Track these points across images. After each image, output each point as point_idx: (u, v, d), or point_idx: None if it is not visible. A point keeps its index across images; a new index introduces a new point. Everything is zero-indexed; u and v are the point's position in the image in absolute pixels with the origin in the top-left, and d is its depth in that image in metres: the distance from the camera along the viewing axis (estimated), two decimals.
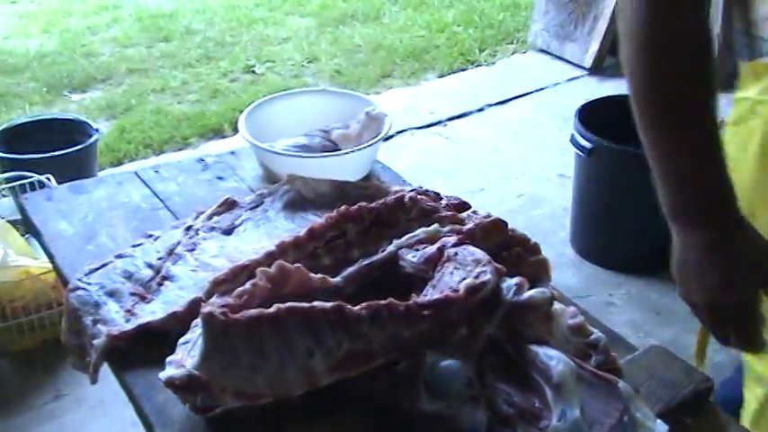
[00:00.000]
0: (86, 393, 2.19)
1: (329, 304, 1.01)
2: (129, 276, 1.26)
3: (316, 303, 1.01)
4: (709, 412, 1.06)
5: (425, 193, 1.40)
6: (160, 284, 1.25)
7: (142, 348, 1.14)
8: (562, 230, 2.92)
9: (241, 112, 3.75)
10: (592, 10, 4.04)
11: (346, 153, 1.51)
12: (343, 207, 1.28)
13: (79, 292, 1.22)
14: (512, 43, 4.51)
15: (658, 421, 0.98)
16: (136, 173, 1.57)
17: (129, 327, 1.15)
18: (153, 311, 1.18)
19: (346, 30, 4.77)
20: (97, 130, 3.00)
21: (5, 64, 4.28)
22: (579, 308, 1.25)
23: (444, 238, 1.22)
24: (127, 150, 3.46)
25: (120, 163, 3.41)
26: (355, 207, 1.28)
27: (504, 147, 3.50)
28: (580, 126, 2.59)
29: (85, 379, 1.21)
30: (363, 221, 1.28)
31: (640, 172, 2.56)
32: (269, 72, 4.26)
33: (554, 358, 1.01)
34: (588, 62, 4.06)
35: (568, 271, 2.73)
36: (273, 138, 1.60)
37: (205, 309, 1.00)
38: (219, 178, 1.57)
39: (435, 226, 1.28)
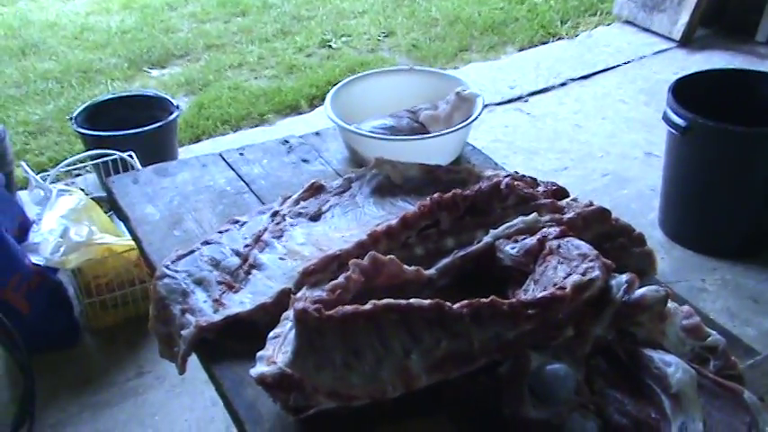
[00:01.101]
0: (168, 371, 2.20)
1: (427, 302, 0.96)
2: (216, 264, 1.23)
3: (413, 301, 0.96)
4: None
5: (522, 178, 1.33)
6: (248, 273, 1.21)
7: (230, 340, 1.11)
8: (650, 212, 2.79)
9: (317, 88, 3.73)
10: None
11: (437, 136, 1.44)
12: (436, 194, 1.22)
13: (167, 281, 1.19)
14: (595, 15, 4.32)
15: None
16: (221, 155, 1.55)
17: (217, 318, 1.12)
18: (241, 302, 1.15)
19: (423, 2, 4.66)
20: (178, 106, 3.00)
21: (87, 40, 4.34)
22: (681, 297, 1.17)
23: (545, 229, 1.15)
24: (205, 127, 3.46)
25: (198, 139, 3.41)
26: (449, 194, 1.22)
27: (588, 123, 3.37)
28: (674, 102, 2.45)
29: None
30: (458, 209, 1.22)
31: (738, 151, 2.45)
32: (345, 47, 4.20)
33: (672, 364, 0.93)
34: (677, 34, 3.86)
35: (658, 255, 2.60)
36: (359, 118, 1.55)
37: (298, 305, 0.96)
38: (304, 161, 1.53)
39: (534, 215, 1.21)
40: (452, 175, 1.39)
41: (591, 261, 1.03)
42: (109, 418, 2.11)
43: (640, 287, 1.03)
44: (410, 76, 1.62)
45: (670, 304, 1.05)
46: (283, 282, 1.17)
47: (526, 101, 3.56)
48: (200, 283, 1.20)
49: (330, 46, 4.23)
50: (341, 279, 1.03)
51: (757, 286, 2.48)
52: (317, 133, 1.61)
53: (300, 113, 3.59)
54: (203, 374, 1.13)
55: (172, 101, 3.04)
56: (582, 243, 1.08)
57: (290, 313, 1.06)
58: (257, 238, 1.28)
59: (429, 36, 4.26)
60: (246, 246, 1.26)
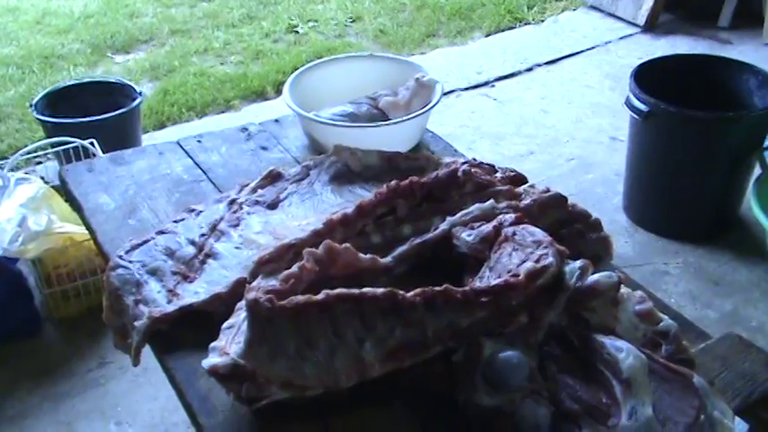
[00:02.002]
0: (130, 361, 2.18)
1: (381, 290, 0.95)
2: (171, 254, 1.21)
3: (366, 289, 0.95)
4: None
5: (479, 165, 1.32)
6: (203, 262, 1.20)
7: (185, 331, 1.09)
8: (615, 196, 2.81)
9: (284, 74, 3.70)
10: None
11: (396, 123, 1.43)
12: (393, 182, 1.21)
13: (120, 271, 1.18)
14: (561, 0, 4.33)
15: (737, 419, 0.90)
16: (178, 142, 1.53)
17: (171, 308, 1.11)
18: (196, 292, 1.14)
19: None
20: (141, 93, 2.95)
21: (49, 25, 4.25)
22: (634, 280, 1.17)
23: (501, 216, 1.15)
24: (170, 113, 3.42)
25: (163, 126, 3.37)
26: (406, 182, 1.21)
27: (554, 108, 3.38)
28: (636, 88, 2.46)
29: None
30: (415, 197, 1.22)
31: (699, 136, 2.47)
32: (312, 32, 4.17)
33: (623, 350, 0.93)
34: (641, 19, 3.88)
35: (621, 239, 2.63)
36: (319, 105, 1.53)
37: (250, 295, 0.95)
38: (263, 148, 1.51)
39: (491, 202, 1.21)
40: (411, 162, 1.39)
41: (545, 248, 1.03)
42: (70, 408, 2.08)
43: (595, 273, 1.04)
44: (370, 63, 1.61)
45: (623, 290, 1.06)
46: (239, 271, 1.16)
47: (493, 86, 3.56)
48: (154, 273, 1.18)
49: (297, 31, 4.20)
50: (294, 268, 1.03)
51: (718, 269, 2.51)
52: (277, 120, 1.60)
53: (267, 99, 3.56)
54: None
55: (135, 87, 3.00)
56: (537, 230, 1.08)
57: (243, 303, 1.05)
58: (213, 227, 1.26)
59: (396, 21, 4.24)
60: (202, 235, 1.25)
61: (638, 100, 2.46)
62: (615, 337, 0.97)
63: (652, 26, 3.88)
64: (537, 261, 1.00)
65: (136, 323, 1.12)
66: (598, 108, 3.37)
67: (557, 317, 1.00)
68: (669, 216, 2.65)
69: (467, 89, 3.52)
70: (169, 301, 1.13)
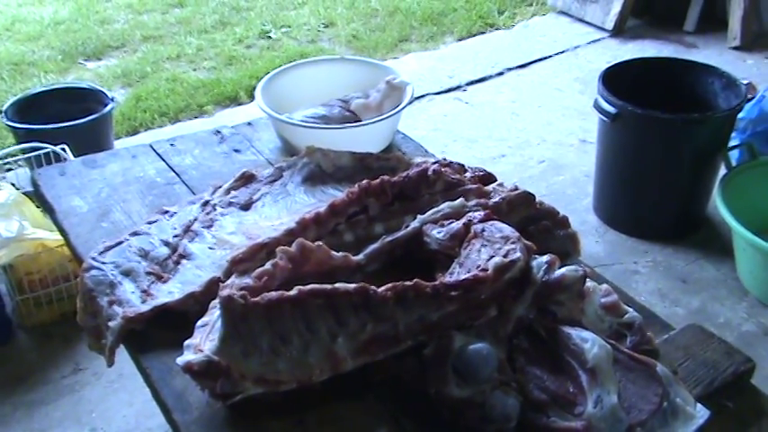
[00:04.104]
0: (105, 367, 2.15)
1: (352, 285, 0.97)
2: (144, 255, 1.22)
3: (338, 285, 0.97)
4: (751, 395, 1.01)
5: (449, 164, 1.35)
6: (177, 263, 1.21)
7: (159, 330, 1.11)
8: (585, 197, 2.86)
9: (258, 79, 3.70)
10: None
11: (367, 124, 1.45)
12: (364, 181, 1.23)
13: (93, 272, 1.18)
14: (531, 5, 4.38)
15: (699, 406, 0.93)
16: (150, 146, 1.53)
17: (145, 308, 1.12)
18: (170, 292, 1.15)
19: None
20: (113, 98, 2.95)
21: (19, 32, 4.22)
22: (605, 278, 1.21)
23: (470, 213, 1.17)
24: (143, 119, 3.41)
25: (135, 132, 3.36)
26: (377, 181, 1.23)
27: (525, 112, 3.42)
28: (604, 90, 2.51)
29: None
30: (386, 196, 1.24)
31: (665, 138, 2.52)
32: (285, 37, 4.18)
33: (588, 340, 0.96)
34: (610, 24, 3.94)
35: (592, 238, 2.67)
36: (291, 108, 1.55)
37: (223, 292, 0.96)
38: (236, 151, 1.52)
39: (461, 200, 1.23)
40: (383, 162, 1.41)
41: (512, 243, 1.05)
42: (44, 416, 2.07)
43: (561, 267, 1.06)
44: (341, 66, 1.63)
45: (589, 283, 1.08)
46: (213, 271, 1.17)
47: (465, 90, 3.60)
48: (127, 274, 1.19)
49: (269, 37, 4.21)
50: (268, 266, 1.04)
51: (686, 267, 2.56)
52: (250, 123, 1.61)
53: (240, 104, 3.57)
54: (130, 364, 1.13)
55: (107, 93, 2.99)
56: (504, 226, 1.11)
57: (217, 301, 1.06)
58: (187, 228, 1.27)
59: (369, 27, 4.27)
60: (176, 236, 1.26)
61: (607, 102, 2.51)
62: (581, 328, 1.00)
63: (620, 31, 3.95)
64: (505, 256, 1.03)
65: (110, 323, 1.12)
66: (568, 111, 3.42)
67: (525, 310, 1.02)
68: (638, 216, 2.70)
69: (439, 93, 3.55)
70: (143, 302, 1.14)
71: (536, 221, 1.28)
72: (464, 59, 3.86)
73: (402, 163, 1.40)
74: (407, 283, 0.98)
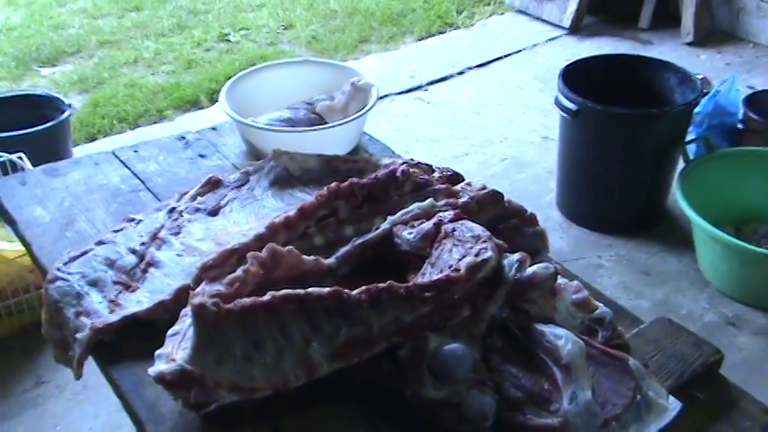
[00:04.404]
0: (69, 379, 2.14)
1: (326, 290, 0.97)
2: (111, 264, 1.20)
3: (312, 289, 0.97)
4: (721, 385, 1.03)
5: (417, 165, 1.35)
6: (145, 271, 1.19)
7: (129, 340, 1.09)
8: (548, 193, 2.88)
9: (217, 82, 3.68)
10: None
11: (333, 126, 1.45)
12: (333, 184, 1.23)
13: (59, 283, 1.16)
14: (489, 5, 4.42)
15: (671, 398, 0.95)
16: (113, 152, 1.51)
17: (114, 318, 1.10)
18: (139, 301, 1.13)
19: None
20: (70, 105, 2.90)
21: None
22: (572, 273, 1.22)
23: (441, 214, 1.18)
24: (101, 125, 3.36)
25: (94, 138, 3.31)
26: (346, 183, 1.23)
27: (486, 110, 3.44)
28: (564, 88, 2.54)
29: None
30: (355, 198, 1.23)
31: (625, 132, 2.56)
32: (244, 40, 4.15)
33: (562, 337, 0.97)
34: (567, 22, 3.99)
35: (556, 234, 2.70)
36: (256, 111, 1.54)
37: (195, 300, 0.95)
38: (201, 156, 1.51)
39: (430, 200, 1.23)
40: (350, 164, 1.41)
41: (483, 242, 1.06)
42: (6, 431, 2.03)
43: (532, 265, 1.07)
44: (305, 68, 1.62)
45: (560, 280, 1.09)
46: (182, 278, 1.16)
47: (426, 90, 3.61)
48: (94, 284, 1.17)
49: (228, 40, 4.17)
50: (239, 272, 1.03)
51: (648, 260, 2.60)
52: (214, 128, 1.59)
53: (201, 108, 3.54)
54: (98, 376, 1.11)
55: (63, 100, 2.94)
56: (475, 225, 1.11)
57: (188, 309, 1.05)
58: (154, 236, 1.25)
59: (328, 28, 4.26)
60: (143, 244, 1.24)
61: (567, 99, 2.54)
62: (554, 325, 1.01)
63: (577, 29, 4.00)
64: (477, 255, 1.03)
65: (77, 335, 1.10)
66: (528, 109, 3.45)
67: (498, 309, 1.02)
68: (600, 210, 2.74)
69: (401, 93, 3.56)
70: (111, 312, 1.12)
71: (505, 220, 1.28)
72: (424, 59, 3.87)
73: (369, 165, 1.40)
74: (381, 285, 0.98)
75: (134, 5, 4.64)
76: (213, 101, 3.57)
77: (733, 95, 2.92)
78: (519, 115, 3.41)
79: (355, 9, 4.44)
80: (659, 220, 2.76)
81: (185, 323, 1.03)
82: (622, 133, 2.52)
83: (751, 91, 3.06)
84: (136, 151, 1.51)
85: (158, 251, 1.22)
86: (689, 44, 3.80)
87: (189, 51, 4.05)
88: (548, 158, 3.07)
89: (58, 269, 1.18)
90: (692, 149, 2.67)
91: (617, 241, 2.68)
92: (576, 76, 2.61)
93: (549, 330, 0.99)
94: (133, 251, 1.22)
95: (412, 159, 1.36)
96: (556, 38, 4.00)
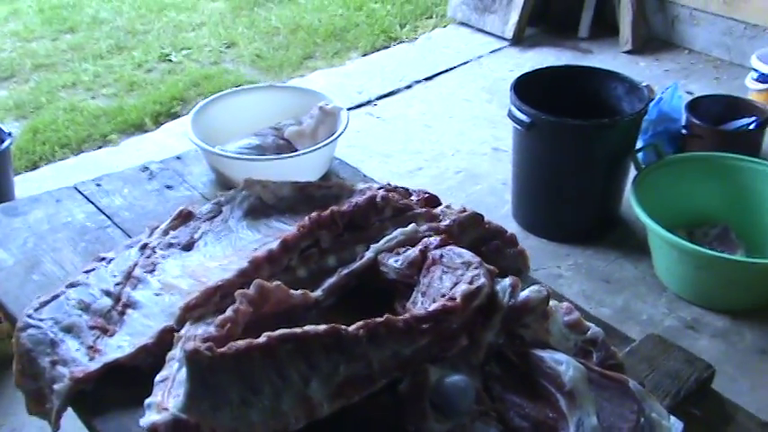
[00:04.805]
0: (25, 422, 2.05)
1: (323, 327, 0.94)
2: (85, 307, 1.15)
3: (308, 328, 0.94)
4: (715, 400, 1.04)
5: (395, 189, 1.34)
6: (122, 313, 1.14)
7: (111, 388, 1.04)
8: (504, 205, 2.90)
9: (162, 104, 3.60)
10: None
11: (306, 153, 1.42)
12: (314, 213, 1.20)
13: (31, 331, 1.10)
14: (431, 18, 4.44)
15: (672, 419, 0.95)
16: (75, 187, 1.45)
17: (94, 366, 1.05)
18: (119, 346, 1.08)
19: (262, 12, 4.61)
20: (9, 134, 2.79)
21: None
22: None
23: (426, 239, 1.16)
24: (42, 152, 3.24)
25: (36, 166, 3.19)
26: (327, 212, 1.21)
27: (437, 123, 3.45)
28: (517, 100, 2.56)
29: (23, 406, 1.10)
30: (337, 227, 1.21)
31: (578, 143, 2.60)
32: (186, 60, 4.07)
33: (563, 363, 0.96)
34: (509, 33, 4.04)
35: None
36: (222, 139, 1.50)
37: (188, 345, 0.91)
38: (168, 187, 1.46)
39: (412, 226, 1.22)
40: (324, 190, 1.38)
41: (475, 269, 1.05)
42: None
43: (523, 289, 1.06)
44: (270, 93, 1.59)
45: (551, 302, 1.09)
46: (163, 319, 1.11)
47: (375, 105, 3.60)
48: (69, 330, 1.11)
49: (170, 60, 4.09)
50: (229, 312, 1.00)
51: (607, 267, 2.64)
52: (179, 157, 1.55)
53: (146, 132, 3.44)
54: (71, 422, 1.06)
55: (2, 128, 2.83)
56: (463, 251, 1.10)
57: (176, 353, 1.01)
58: (128, 275, 1.21)
59: (272, 45, 4.21)
60: (117, 284, 1.19)
61: (520, 112, 2.56)
62: (552, 350, 1.00)
63: (519, 40, 4.05)
64: (470, 282, 1.02)
65: (55, 386, 1.05)
66: (478, 120, 3.47)
67: (494, 336, 1.02)
68: (556, 220, 2.77)
69: (350, 109, 3.50)
70: (91, 359, 1.07)
71: (486, 241, 1.28)
72: (371, 74, 3.87)
73: (345, 190, 1.38)
74: (378, 319, 0.96)
75: (68, 27, 4.51)
76: (158, 123, 3.49)
77: (676, 102, 3.00)
78: (469, 127, 3.43)
79: (298, 26, 4.41)
80: (614, 227, 2.80)
81: (173, 368, 0.99)
82: (576, 144, 2.56)
83: (691, 97, 3.15)
84: (98, 185, 1.45)
85: (134, 291, 1.18)
86: (628, 52, 3.89)
87: (130, 73, 3.96)
88: (501, 170, 3.10)
89: (29, 316, 1.13)
90: (641, 156, 2.72)
91: (574, 250, 2.71)
92: (526, 88, 2.64)
93: (548, 356, 0.98)
94: (107, 293, 1.17)
95: (389, 183, 1.34)
96: (499, 49, 4.05)
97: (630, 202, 2.50)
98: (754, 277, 2.37)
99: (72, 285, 1.18)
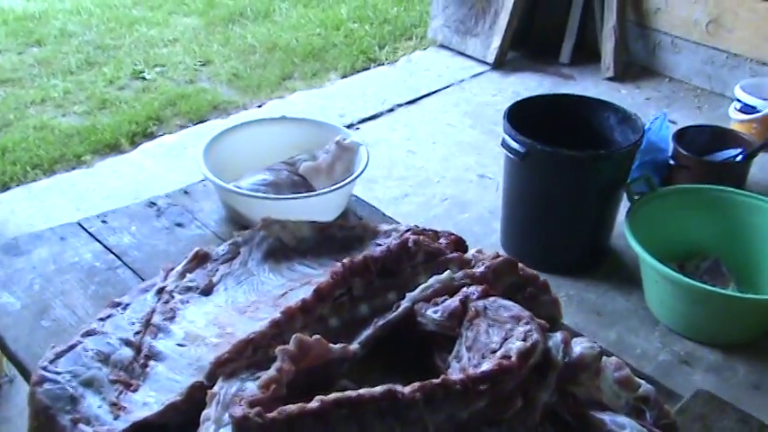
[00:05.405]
0: None
1: (378, 390, 0.89)
2: (105, 359, 1.07)
3: (363, 391, 0.88)
4: None
5: (423, 232, 1.29)
6: (144, 366, 1.07)
7: None
8: (492, 234, 2.87)
9: (137, 123, 3.50)
10: (492, 4, 4.01)
11: (326, 192, 1.36)
12: (346, 260, 1.15)
13: (48, 386, 1.03)
14: (411, 39, 4.42)
15: None
16: (79, 224, 1.37)
17: (121, 426, 0.98)
18: (145, 403, 1.01)
19: (237, 29, 4.53)
20: None
21: None
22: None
23: (465, 289, 1.11)
24: (13, 173, 3.11)
25: (6, 187, 3.05)
26: (360, 258, 1.15)
27: (421, 149, 3.42)
28: (511, 129, 2.54)
29: None
30: (371, 273, 1.15)
31: (572, 173, 2.58)
32: (160, 77, 3.97)
33: (626, 427, 0.92)
34: (491, 57, 4.03)
35: None
36: (232, 172, 1.44)
37: (236, 411, 0.85)
38: (178, 225, 1.39)
39: (447, 273, 1.17)
40: (347, 232, 1.33)
41: (526, 323, 1.00)
42: None
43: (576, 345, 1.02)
44: (282, 126, 1.53)
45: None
46: (190, 373, 1.05)
47: (358, 129, 3.56)
48: (89, 384, 1.04)
49: (144, 77, 3.98)
50: (273, 372, 0.93)
51: (598, 300, 2.62)
52: (186, 191, 1.48)
53: (122, 153, 3.34)
54: None
55: None
56: (510, 303, 1.06)
57: (210, 413, 0.94)
58: (147, 323, 1.14)
59: (249, 64, 4.14)
60: (136, 333, 1.12)
61: (515, 141, 2.53)
62: (611, 412, 0.96)
63: (500, 64, 4.04)
64: (524, 339, 0.98)
65: None
66: (462, 146, 3.45)
67: (548, 395, 0.97)
68: (547, 251, 2.74)
69: None
70: (116, 417, 0.99)
71: (520, 288, 1.24)
72: (353, 97, 3.82)
73: (368, 231, 1.33)
74: (435, 381, 0.91)
75: (35, 40, 4.38)
76: (135, 144, 3.39)
77: (664, 132, 3.01)
78: (453, 153, 3.40)
79: (275, 44, 4.34)
80: (604, 258, 2.79)
81: (210, 430, 0.92)
82: (570, 174, 2.54)
83: (676, 126, 3.17)
84: (104, 221, 1.38)
85: (155, 340, 1.10)
86: (609, 79, 3.91)
87: (102, 90, 3.84)
88: (487, 198, 3.07)
89: (44, 368, 1.05)
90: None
91: (565, 282, 2.69)
92: (518, 116, 2.62)
93: (609, 418, 0.94)
94: (127, 342, 1.10)
95: (416, 226, 1.30)
96: (481, 73, 4.03)
97: (622, 234, 2.49)
98: (748, 312, 2.37)
99: (88, 334, 1.10)
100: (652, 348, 2.44)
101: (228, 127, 1.49)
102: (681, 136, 2.99)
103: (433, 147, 3.45)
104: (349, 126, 3.55)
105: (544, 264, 2.72)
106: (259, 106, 3.74)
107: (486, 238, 2.88)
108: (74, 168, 3.23)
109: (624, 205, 2.64)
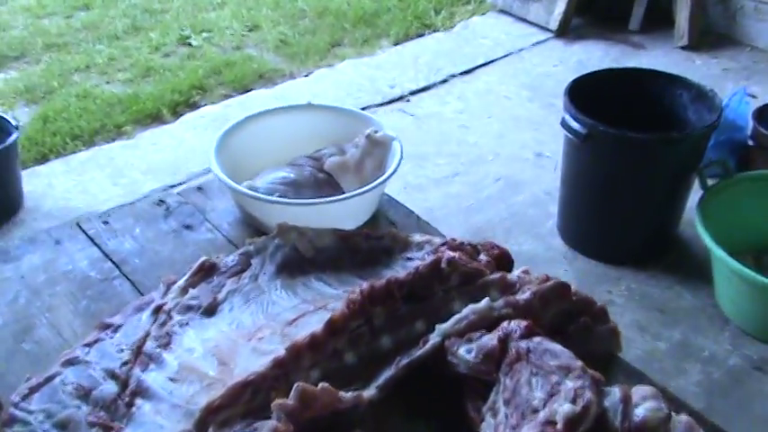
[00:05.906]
0: None
1: None
2: (85, 395, 0.94)
3: None
4: None
5: (460, 246, 1.11)
6: (130, 405, 0.93)
7: None
8: (548, 219, 2.66)
9: (180, 93, 3.36)
10: None
11: (353, 196, 1.19)
12: (366, 285, 0.98)
13: (17, 428, 0.89)
14: (469, 3, 4.17)
15: None
16: (78, 225, 1.23)
17: None
18: None
19: None
20: (17, 126, 2.57)
21: None
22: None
23: (505, 325, 0.94)
24: (53, 144, 3.03)
25: (45, 159, 2.97)
26: (382, 284, 0.98)
27: (474, 123, 3.21)
28: (572, 108, 2.31)
29: None
30: (394, 301, 0.99)
31: (640, 157, 2.35)
32: (206, 44, 3.83)
33: None
34: (554, 24, 3.76)
35: (560, 266, 2.48)
36: (251, 167, 1.28)
37: None
38: (187, 227, 1.24)
39: (486, 301, 1.00)
40: (373, 242, 1.16)
41: (578, 377, 0.82)
42: None
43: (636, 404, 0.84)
44: (308, 114, 1.36)
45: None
46: (177, 418, 0.90)
47: (408, 101, 3.36)
48: (64, 426, 0.90)
49: (190, 44, 3.85)
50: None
51: (662, 295, 2.40)
52: (200, 188, 1.33)
53: (164, 123, 3.22)
54: None
55: (9, 120, 2.61)
56: (558, 347, 0.88)
57: None
58: (138, 350, 0.99)
59: (297, 30, 3.97)
60: (124, 363, 0.97)
61: (576, 121, 2.31)
62: None
63: (564, 31, 3.78)
64: (573, 399, 0.80)
65: None
66: (519, 121, 3.22)
67: None
68: (608, 239, 2.53)
69: (381, 105, 3.30)
70: None
71: (572, 316, 1.05)
72: (404, 66, 3.62)
73: (398, 242, 1.15)
74: None
75: (83, 3, 4.28)
76: (177, 114, 3.26)
77: (742, 108, 2.74)
78: (509, 129, 3.18)
79: (325, 8, 4.15)
80: (669, 249, 2.56)
81: None
82: (637, 158, 2.31)
83: (756, 102, 2.88)
84: (106, 222, 1.23)
85: (145, 373, 0.96)
86: (683, 48, 3.61)
87: (146, 57, 3.73)
88: (544, 178, 2.85)
89: (16, 405, 0.91)
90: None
91: (626, 273, 2.47)
92: (580, 92, 2.39)
93: None
94: (113, 374, 0.96)
95: (453, 239, 1.12)
96: (543, 41, 3.77)
97: (691, 221, 2.26)
98: None
99: (70, 363, 0.97)
100: (721, 351, 2.22)
101: (247, 115, 1.33)
102: (762, 113, 2.71)
103: (487, 121, 3.23)
104: (399, 98, 3.36)
105: (604, 253, 2.52)
106: (306, 75, 3.57)
107: (542, 222, 2.67)
108: (114, 140, 3.13)
109: (695, 191, 2.40)
